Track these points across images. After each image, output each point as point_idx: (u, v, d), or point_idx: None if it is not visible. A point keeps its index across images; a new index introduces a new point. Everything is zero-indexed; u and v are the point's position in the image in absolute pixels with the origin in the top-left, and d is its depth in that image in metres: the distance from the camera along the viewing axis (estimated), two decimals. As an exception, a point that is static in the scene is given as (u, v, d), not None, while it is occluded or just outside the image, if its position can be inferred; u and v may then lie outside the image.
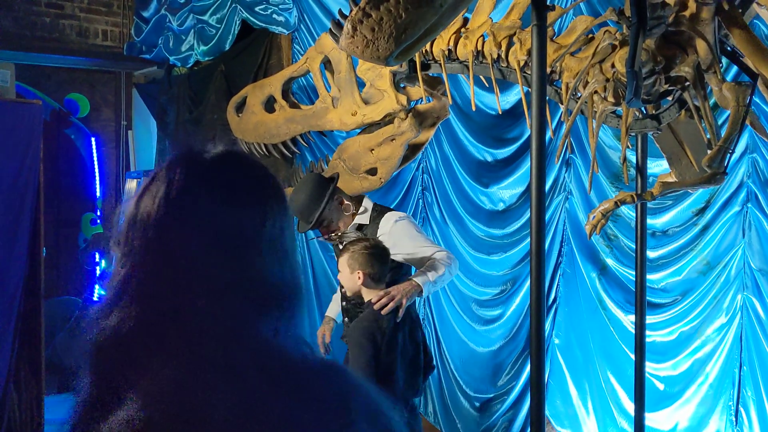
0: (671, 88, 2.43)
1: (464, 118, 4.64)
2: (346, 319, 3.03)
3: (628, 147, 4.17)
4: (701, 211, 3.76)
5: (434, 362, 3.01)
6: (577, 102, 2.72)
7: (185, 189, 0.96)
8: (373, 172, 3.38)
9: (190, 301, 0.91)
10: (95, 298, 6.43)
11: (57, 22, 5.90)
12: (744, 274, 3.61)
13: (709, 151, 3.14)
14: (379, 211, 3.11)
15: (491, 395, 4.49)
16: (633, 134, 2.81)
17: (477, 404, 4.51)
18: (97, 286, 6.44)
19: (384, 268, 2.64)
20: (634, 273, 4.11)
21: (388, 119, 3.25)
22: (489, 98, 4.51)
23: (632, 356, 4.05)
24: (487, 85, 3.38)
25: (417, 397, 2.79)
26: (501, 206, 4.61)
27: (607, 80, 2.42)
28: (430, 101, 3.41)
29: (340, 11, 1.77)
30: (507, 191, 4.62)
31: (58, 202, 6.14)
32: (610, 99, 2.53)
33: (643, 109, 2.53)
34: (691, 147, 2.82)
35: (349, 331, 2.68)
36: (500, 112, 3.12)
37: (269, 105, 3.70)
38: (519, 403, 4.39)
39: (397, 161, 3.29)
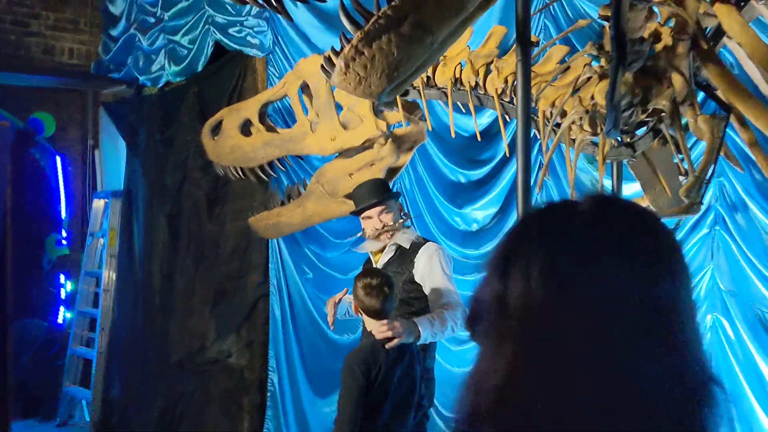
0: (648, 119, 2.50)
1: (438, 140, 4.68)
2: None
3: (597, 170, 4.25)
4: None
5: (425, 400, 2.98)
6: (551, 128, 2.77)
7: (570, 257, 0.73)
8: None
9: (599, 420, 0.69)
10: (60, 321, 6.29)
11: (22, 39, 5.80)
12: (713, 295, 3.70)
13: (683, 180, 3.23)
14: (420, 241, 3.13)
15: (467, 416, 4.50)
16: (608, 161, 2.87)
17: (453, 425, 4.52)
18: (62, 308, 6.30)
19: (386, 304, 2.62)
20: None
21: (367, 144, 3.27)
22: (461, 120, 4.56)
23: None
24: (464, 111, 3.43)
25: None
26: (475, 227, 4.65)
27: (587, 111, 2.48)
28: (407, 125, 3.44)
29: (332, 48, 1.78)
30: (481, 212, 4.66)
31: (21, 223, 5.99)
32: (589, 129, 2.60)
33: (618, 137, 2.60)
34: (664, 174, 2.89)
35: (346, 357, 2.65)
36: (479, 139, 3.16)
37: (245, 128, 3.68)
38: (494, 423, 4.41)
39: (374, 187, 3.29)
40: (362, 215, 3.15)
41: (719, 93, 2.38)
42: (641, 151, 2.81)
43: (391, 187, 3.25)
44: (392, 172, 3.53)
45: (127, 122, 5.51)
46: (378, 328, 2.55)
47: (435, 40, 1.78)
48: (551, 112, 2.93)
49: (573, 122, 2.54)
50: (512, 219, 4.60)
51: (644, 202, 3.12)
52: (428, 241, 3.18)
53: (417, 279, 3.03)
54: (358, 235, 3.24)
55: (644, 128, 2.66)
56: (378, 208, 3.09)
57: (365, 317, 2.66)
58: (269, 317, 4.20)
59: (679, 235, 3.86)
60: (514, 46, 3.08)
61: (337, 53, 1.77)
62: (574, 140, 2.90)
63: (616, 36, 2.13)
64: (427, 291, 3.01)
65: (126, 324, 5.35)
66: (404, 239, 3.10)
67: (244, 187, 4.29)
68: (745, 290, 3.56)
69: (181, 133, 4.66)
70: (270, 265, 4.23)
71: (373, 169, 3.28)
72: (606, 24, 2.26)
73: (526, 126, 2.04)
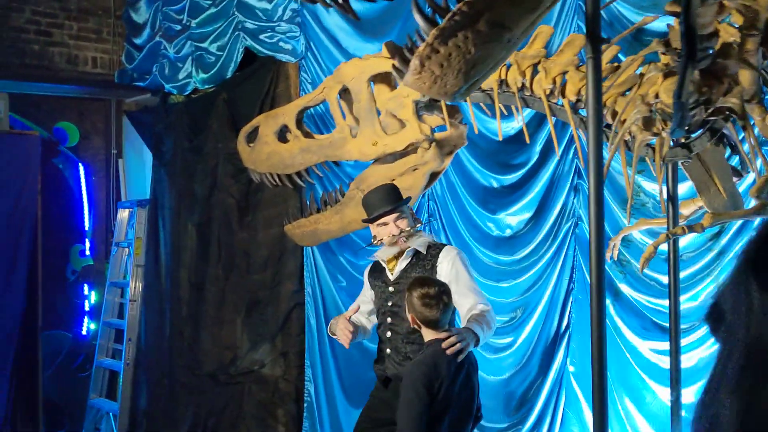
0: (710, 118, 2.43)
1: (469, 144, 4.60)
2: (389, 350, 2.93)
3: (640, 172, 4.17)
4: (716, 236, 3.76)
5: (481, 411, 2.93)
6: (614, 132, 2.70)
7: None
8: (393, 202, 3.32)
9: None
10: (84, 332, 6.24)
11: (46, 49, 5.77)
12: None
13: (736, 181, 3.14)
14: (437, 245, 3.08)
15: (505, 425, 4.42)
16: (663, 163, 2.80)
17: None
18: (86, 319, 6.25)
19: (444, 315, 2.54)
20: (648, 299, 4.10)
21: (410, 149, 3.21)
22: (493, 124, 4.50)
23: (650, 382, 4.02)
24: (506, 113, 3.36)
25: None
26: (508, 232, 4.57)
27: (650, 110, 2.41)
28: (445, 129, 3.37)
29: (405, 46, 1.71)
30: (514, 217, 4.58)
31: (46, 233, 5.96)
32: (648, 129, 2.52)
33: (682, 136, 2.52)
34: (719, 175, 2.82)
35: (406, 372, 2.56)
36: (528, 141, 3.10)
37: (281, 135, 3.63)
38: (534, 432, 4.32)
39: (420, 191, 3.24)
40: (377, 222, 3.09)
41: (788, 90, 2.31)
42: (697, 151, 2.74)
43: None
44: (432, 177, 3.46)
45: (153, 131, 5.46)
46: (449, 341, 2.48)
47: (512, 37, 1.72)
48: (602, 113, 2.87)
49: (633, 123, 2.47)
50: (547, 224, 4.52)
51: (696, 204, 3.05)
52: (444, 244, 3.14)
53: None
54: (374, 242, 3.16)
55: (701, 129, 2.59)
56: (394, 215, 3.03)
57: (424, 329, 2.58)
58: (305, 326, 4.13)
59: (725, 238, 3.77)
60: (563, 45, 3.03)
61: (411, 51, 1.70)
62: (626, 142, 2.84)
63: (686, 31, 2.06)
64: (454, 296, 2.93)
65: (153, 335, 5.29)
66: (420, 243, 3.04)
67: (276, 194, 4.23)
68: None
69: (211, 141, 4.60)
70: (305, 274, 4.16)
71: (416, 174, 3.22)
72: (674, 20, 2.19)
73: (598, 128, 1.97)
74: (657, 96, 2.35)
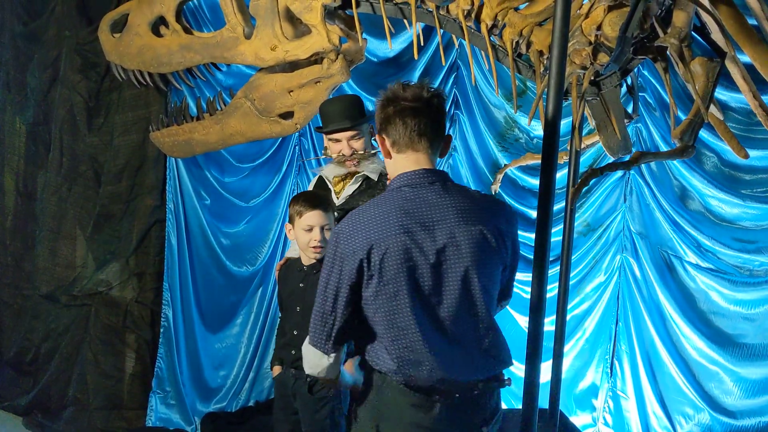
0: (641, 57, 2.44)
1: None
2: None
3: (519, 107, 4.22)
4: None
5: None
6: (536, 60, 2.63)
7: None
8: (287, 116, 3.05)
9: None
10: None
11: None
12: (623, 236, 3.86)
13: (627, 123, 3.24)
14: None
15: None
16: (570, 99, 2.81)
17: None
18: None
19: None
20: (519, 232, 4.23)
21: (313, 59, 2.93)
22: (371, 44, 4.30)
23: (513, 313, 4.20)
24: (393, 31, 3.15)
25: None
26: (381, 158, 4.47)
27: (590, 43, 2.36)
28: (344, 41, 3.12)
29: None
30: (389, 143, 4.48)
31: None
32: (579, 62, 2.49)
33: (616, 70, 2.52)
34: (615, 115, 2.89)
35: None
36: (416, 57, 2.90)
37: (155, 27, 3.16)
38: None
39: (319, 106, 2.98)
40: (329, 136, 2.86)
41: (713, 36, 2.37)
42: (605, 90, 2.78)
43: (366, 108, 2.94)
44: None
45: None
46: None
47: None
48: (517, 42, 2.80)
49: (569, 54, 2.42)
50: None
51: (585, 142, 3.12)
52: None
53: None
54: (324, 155, 2.94)
55: (610, 67, 2.61)
56: (349, 133, 2.80)
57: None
58: (164, 245, 3.74)
59: (592, 177, 3.94)
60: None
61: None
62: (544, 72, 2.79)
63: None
64: None
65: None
66: (372, 169, 2.83)
67: (137, 96, 3.72)
68: (653, 233, 3.75)
69: (53, 27, 3.90)
70: (167, 188, 3.74)
71: (318, 87, 2.96)
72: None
73: (561, 57, 1.87)
74: (599, 28, 2.30)
